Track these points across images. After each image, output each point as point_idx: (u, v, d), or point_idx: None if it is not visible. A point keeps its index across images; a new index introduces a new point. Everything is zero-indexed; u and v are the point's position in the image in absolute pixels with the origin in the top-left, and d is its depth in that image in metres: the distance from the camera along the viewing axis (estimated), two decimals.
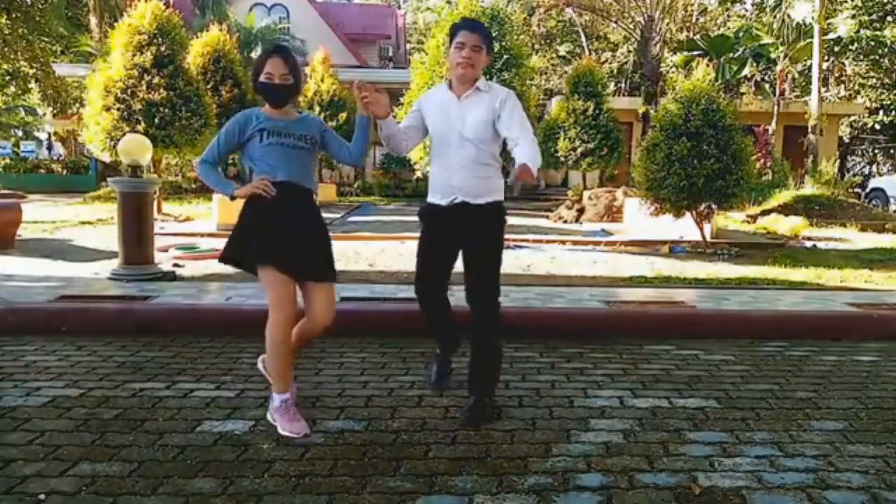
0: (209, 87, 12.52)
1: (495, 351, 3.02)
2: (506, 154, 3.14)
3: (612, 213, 12.34)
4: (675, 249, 8.41)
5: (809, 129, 17.23)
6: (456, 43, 2.98)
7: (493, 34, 7.99)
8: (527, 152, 2.82)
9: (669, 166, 7.88)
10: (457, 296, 3.12)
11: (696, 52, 19.20)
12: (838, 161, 20.11)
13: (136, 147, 5.71)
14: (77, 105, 22.15)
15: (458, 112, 2.99)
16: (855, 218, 12.67)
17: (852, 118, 26.28)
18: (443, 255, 3.10)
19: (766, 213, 12.74)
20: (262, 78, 2.86)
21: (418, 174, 9.12)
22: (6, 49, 23.52)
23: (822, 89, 18.67)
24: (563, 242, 8.82)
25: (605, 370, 3.65)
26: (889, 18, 23.23)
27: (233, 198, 2.87)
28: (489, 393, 2.98)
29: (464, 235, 3.00)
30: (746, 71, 19.96)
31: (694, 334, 4.40)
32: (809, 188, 14.85)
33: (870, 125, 27.87)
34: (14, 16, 23.12)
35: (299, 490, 2.24)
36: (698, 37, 21.13)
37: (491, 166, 3.01)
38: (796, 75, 23.53)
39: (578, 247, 8.66)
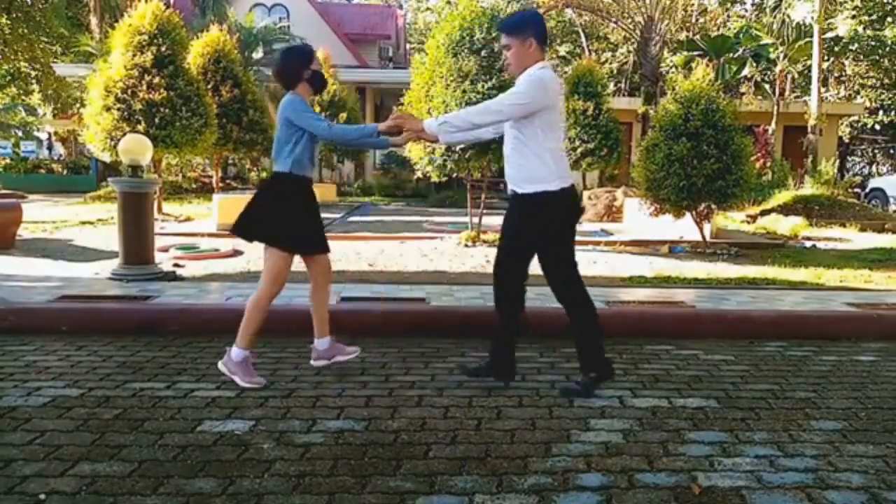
0: (209, 87, 12.49)
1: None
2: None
3: (612, 213, 12.35)
4: (674, 249, 8.41)
5: (809, 129, 17.22)
6: None
7: (493, 35, 8.04)
8: (455, 112, 3.23)
9: (669, 166, 7.88)
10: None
11: (695, 53, 19.17)
12: (838, 161, 20.13)
13: (137, 147, 5.71)
14: (77, 105, 22.13)
15: None
16: (854, 218, 12.67)
17: (852, 118, 26.29)
18: None
19: (765, 213, 12.72)
20: (314, 67, 3.25)
21: (418, 174, 9.08)
22: (6, 49, 23.53)
23: (822, 89, 18.67)
24: None
25: None
26: (889, 18, 23.24)
27: (379, 135, 3.25)
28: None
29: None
30: (746, 71, 19.94)
31: (694, 334, 4.40)
32: (809, 188, 14.83)
33: (869, 125, 27.90)
34: (14, 16, 23.16)
35: (299, 490, 2.25)
36: (698, 37, 21.10)
37: (528, 154, 3.11)
38: (796, 75, 23.53)
39: (578, 247, 8.55)
